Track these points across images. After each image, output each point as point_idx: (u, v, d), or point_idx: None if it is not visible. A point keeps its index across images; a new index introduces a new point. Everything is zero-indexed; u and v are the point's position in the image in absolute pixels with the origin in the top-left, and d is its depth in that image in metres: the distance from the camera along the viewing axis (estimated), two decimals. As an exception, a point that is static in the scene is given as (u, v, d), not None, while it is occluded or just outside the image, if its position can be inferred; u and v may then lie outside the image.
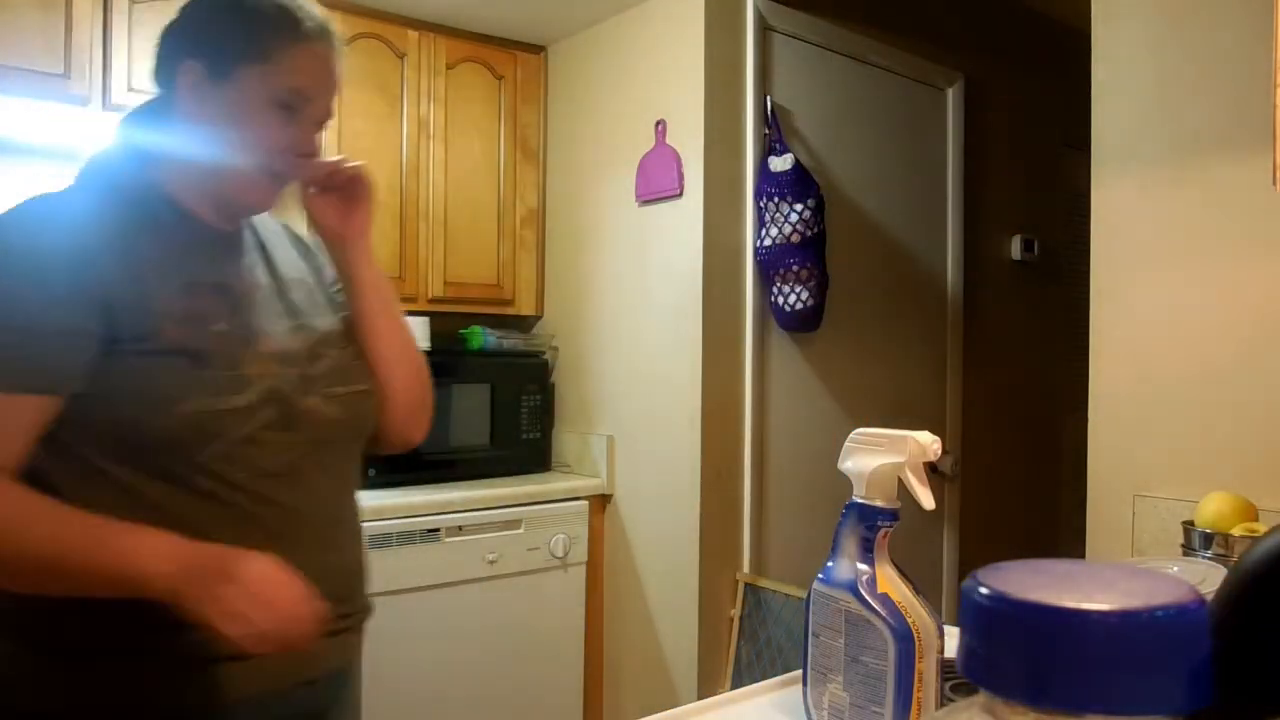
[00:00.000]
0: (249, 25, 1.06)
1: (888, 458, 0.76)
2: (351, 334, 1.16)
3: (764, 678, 1.01)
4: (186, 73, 1.09)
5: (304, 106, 1.06)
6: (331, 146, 2.58)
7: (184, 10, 1.14)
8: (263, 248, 1.18)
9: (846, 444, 0.80)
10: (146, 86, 2.28)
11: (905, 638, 0.71)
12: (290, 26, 1.05)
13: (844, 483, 0.79)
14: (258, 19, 1.06)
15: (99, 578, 0.88)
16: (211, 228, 1.10)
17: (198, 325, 1.00)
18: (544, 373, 2.89)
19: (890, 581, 0.75)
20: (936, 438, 0.75)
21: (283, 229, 1.27)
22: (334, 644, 1.05)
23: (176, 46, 1.12)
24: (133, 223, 1.03)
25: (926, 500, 0.75)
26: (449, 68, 2.79)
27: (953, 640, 0.57)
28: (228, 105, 1.05)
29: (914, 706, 0.71)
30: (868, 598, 0.74)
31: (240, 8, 1.07)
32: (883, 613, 0.72)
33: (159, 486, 0.95)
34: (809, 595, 0.80)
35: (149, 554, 0.88)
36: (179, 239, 1.06)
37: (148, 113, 1.17)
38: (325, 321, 1.15)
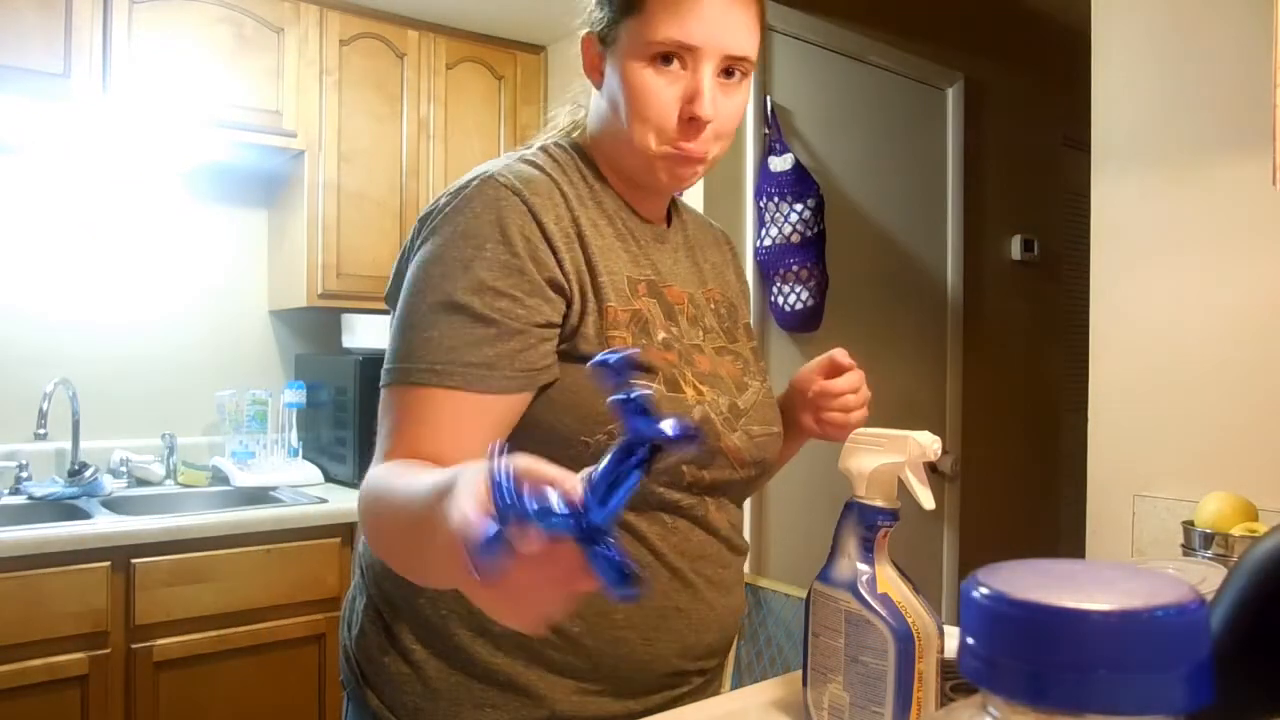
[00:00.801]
0: None
1: (888, 458, 0.76)
2: (761, 367, 1.03)
3: (764, 678, 1.01)
4: (585, 46, 0.96)
5: (688, 56, 0.87)
6: (331, 146, 2.58)
7: None
8: (693, 252, 1.04)
9: (846, 444, 0.80)
10: (147, 86, 2.29)
11: (905, 638, 0.71)
12: None
13: (844, 482, 0.79)
14: None
15: (426, 560, 0.69)
16: (641, 217, 0.97)
17: (640, 331, 0.89)
18: (544, 373, 2.88)
19: (890, 581, 0.75)
20: (936, 438, 0.75)
21: (720, 239, 1.13)
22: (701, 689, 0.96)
23: (584, 22, 0.98)
24: (582, 197, 0.92)
25: (926, 500, 0.74)
26: (449, 68, 2.79)
27: (953, 640, 0.57)
28: (616, 72, 0.90)
29: (914, 706, 0.71)
30: (868, 598, 0.74)
31: None
32: (883, 613, 0.72)
33: None
34: (809, 595, 0.80)
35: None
36: (615, 225, 0.94)
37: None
38: (745, 348, 1.02)
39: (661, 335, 0.90)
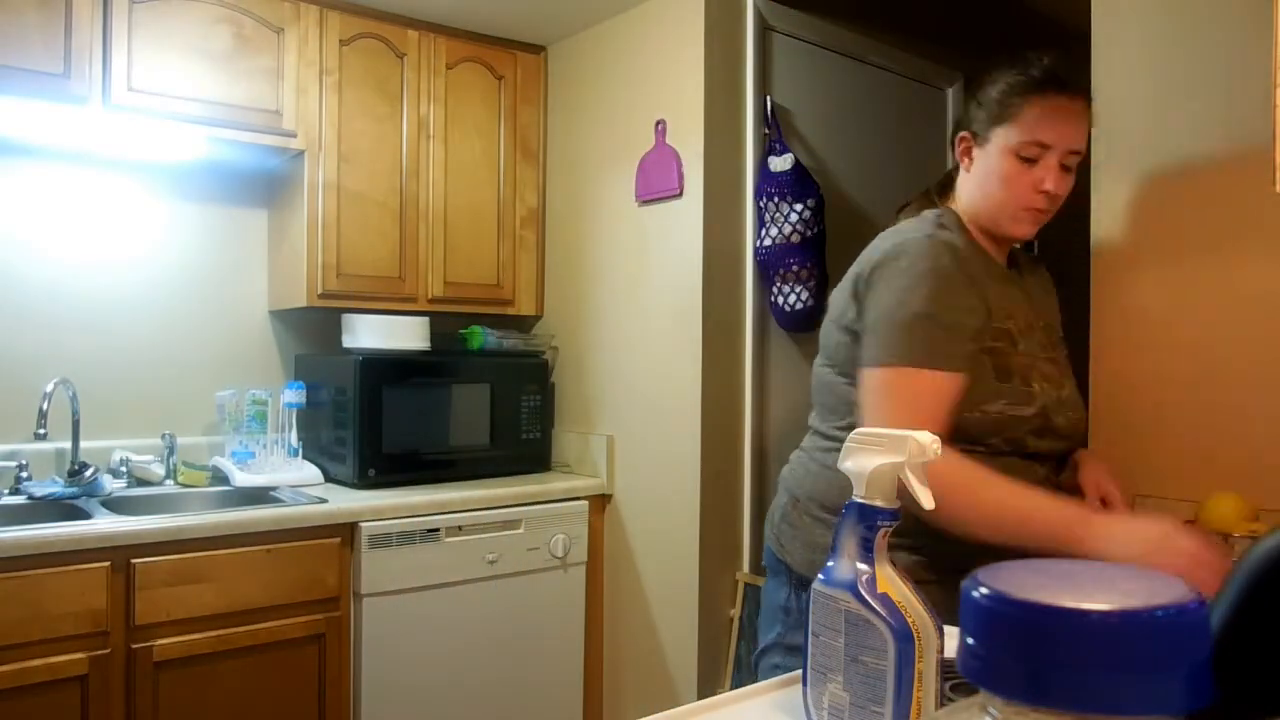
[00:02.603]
0: (1005, 93, 1.34)
1: (887, 457, 0.76)
2: (1069, 370, 1.45)
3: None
4: (960, 143, 1.41)
5: (1043, 153, 1.32)
6: (331, 146, 2.58)
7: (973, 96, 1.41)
8: (1027, 286, 1.47)
9: (846, 444, 0.80)
10: (147, 86, 2.29)
11: (905, 638, 0.71)
12: (1023, 85, 1.32)
13: (843, 483, 0.79)
14: (1002, 88, 1.34)
15: (1034, 536, 1.13)
16: (999, 266, 1.41)
17: (1010, 342, 1.32)
18: (544, 373, 2.89)
19: (890, 581, 0.75)
20: (936, 437, 0.75)
21: (1038, 267, 1.59)
22: None
23: (956, 123, 1.44)
24: (971, 252, 1.37)
25: (926, 500, 0.75)
26: (449, 68, 2.79)
27: (953, 640, 0.57)
28: (987, 163, 1.36)
29: (914, 706, 0.71)
30: (867, 598, 0.74)
31: (994, 82, 1.36)
32: (882, 612, 0.72)
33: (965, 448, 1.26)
34: (809, 595, 0.80)
35: (1082, 529, 1.12)
36: (990, 271, 1.37)
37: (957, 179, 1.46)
38: (1062, 355, 1.45)
39: (1021, 345, 1.33)
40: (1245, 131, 1.62)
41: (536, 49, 2.98)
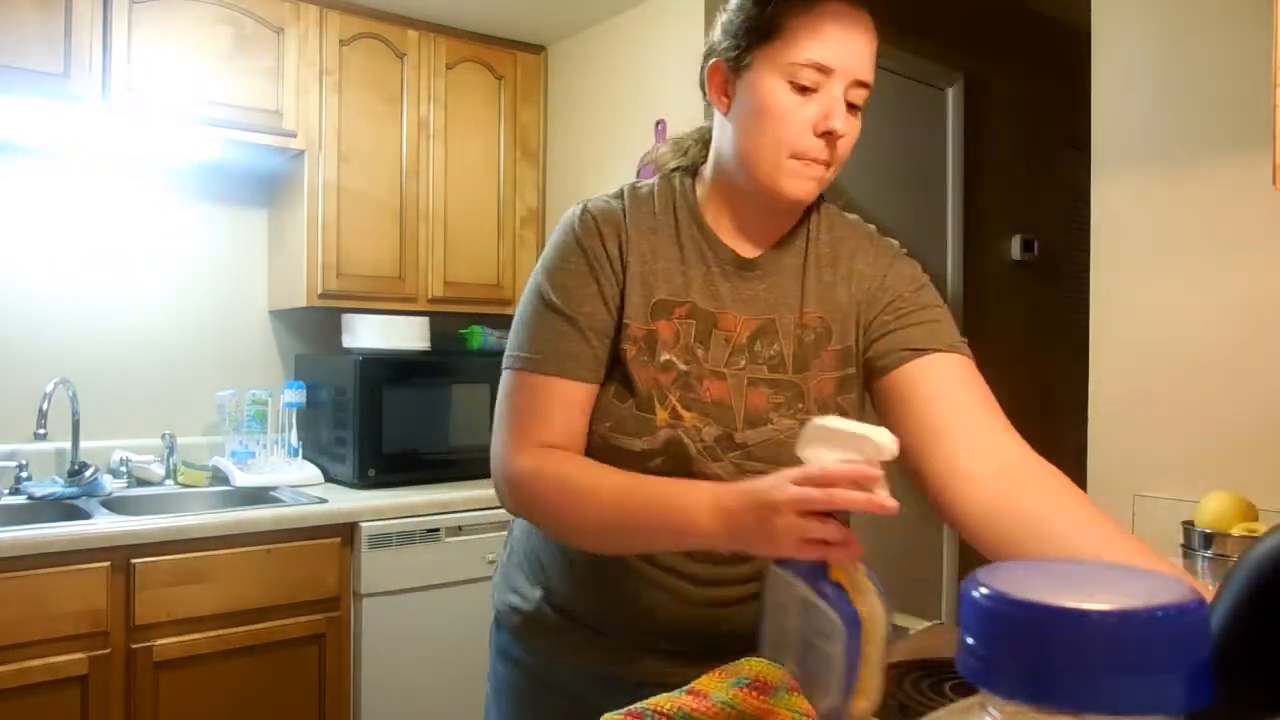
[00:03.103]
0: (758, 3, 0.98)
1: (844, 454, 0.75)
2: (840, 400, 1.04)
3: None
4: (712, 74, 1.03)
5: (823, 81, 0.96)
6: (331, 146, 2.58)
7: (719, 14, 1.05)
8: (803, 275, 1.06)
9: (805, 431, 0.79)
10: (147, 86, 2.29)
11: (854, 623, 0.71)
12: None
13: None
14: None
15: (661, 535, 0.90)
16: (729, 251, 1.04)
17: (645, 349, 1.00)
18: (544, 373, 2.88)
19: (842, 569, 0.75)
20: (894, 438, 0.74)
21: (854, 251, 1.10)
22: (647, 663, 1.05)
23: (706, 51, 1.05)
24: (655, 227, 1.05)
25: (886, 502, 0.73)
26: (449, 68, 2.79)
27: (953, 640, 0.57)
28: (748, 98, 0.98)
29: (858, 691, 0.71)
30: (820, 585, 0.74)
31: None
32: (834, 599, 0.72)
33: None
34: (767, 577, 0.80)
35: (701, 512, 0.84)
36: (685, 253, 1.04)
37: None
38: (818, 380, 1.03)
39: (665, 357, 1.00)
40: (1245, 131, 1.62)
41: (536, 49, 2.98)
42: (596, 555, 1.02)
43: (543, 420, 0.99)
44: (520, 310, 1.05)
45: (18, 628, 1.86)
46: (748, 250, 1.05)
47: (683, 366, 1.00)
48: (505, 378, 1.03)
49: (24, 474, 2.36)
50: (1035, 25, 3.28)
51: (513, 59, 2.92)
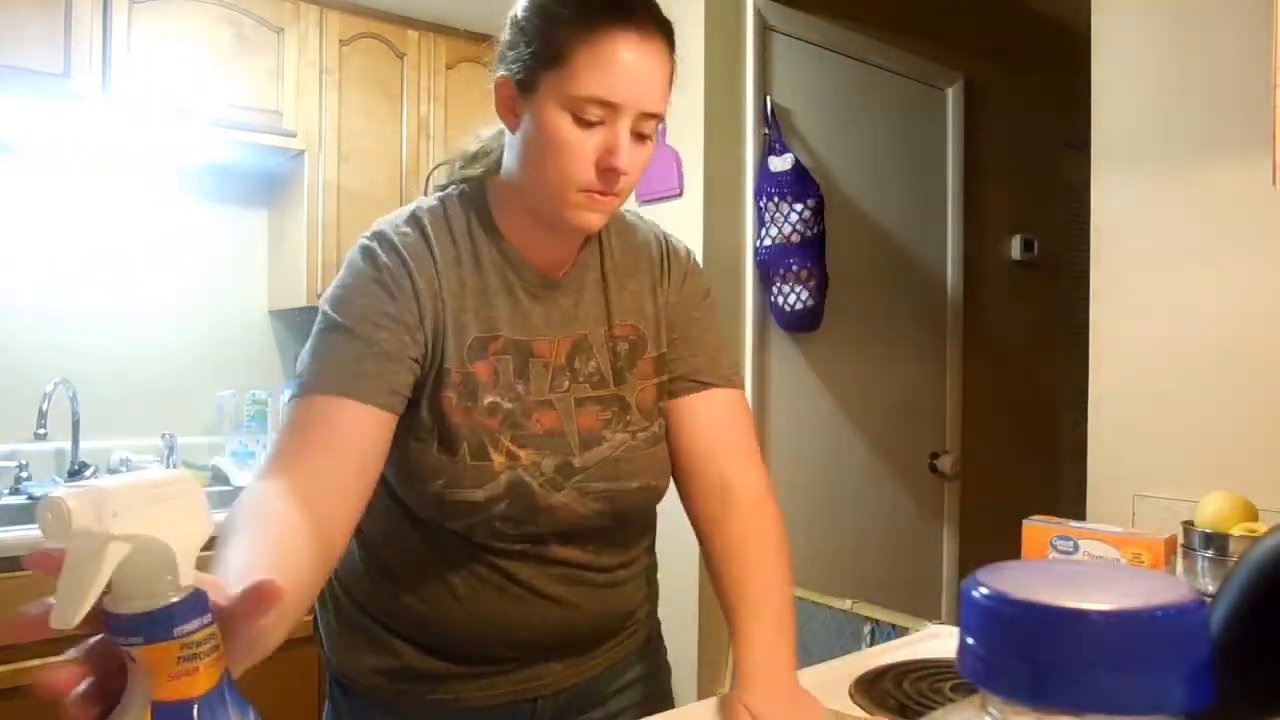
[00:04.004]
0: (545, 22, 0.92)
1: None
2: (658, 408, 1.05)
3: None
4: (500, 89, 0.97)
5: (609, 115, 0.90)
6: (331, 146, 2.58)
7: (509, 17, 0.98)
8: (605, 287, 1.05)
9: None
10: (146, 86, 2.29)
11: None
12: (579, 16, 0.90)
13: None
14: (553, 12, 0.91)
15: None
16: (533, 268, 1.00)
17: (466, 394, 0.95)
18: (544, 373, 2.88)
19: None
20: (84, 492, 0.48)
21: (654, 260, 1.10)
22: (542, 671, 1.05)
23: (496, 60, 0.99)
24: (459, 258, 0.98)
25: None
26: (449, 68, 2.79)
27: (953, 640, 0.56)
28: (531, 125, 0.93)
29: None
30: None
31: (544, 0, 0.93)
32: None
33: (410, 524, 0.99)
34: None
35: None
36: (487, 281, 0.98)
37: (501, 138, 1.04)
38: (639, 389, 1.03)
39: (489, 399, 0.95)
40: (1244, 131, 1.62)
41: (536, 49, 2.98)
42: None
43: (306, 442, 0.86)
44: (310, 342, 0.94)
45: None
46: (549, 267, 1.02)
47: (508, 405, 0.96)
48: (282, 416, 0.92)
49: (24, 474, 2.36)
50: (1035, 25, 3.29)
51: (513, 59, 2.92)
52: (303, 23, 2.54)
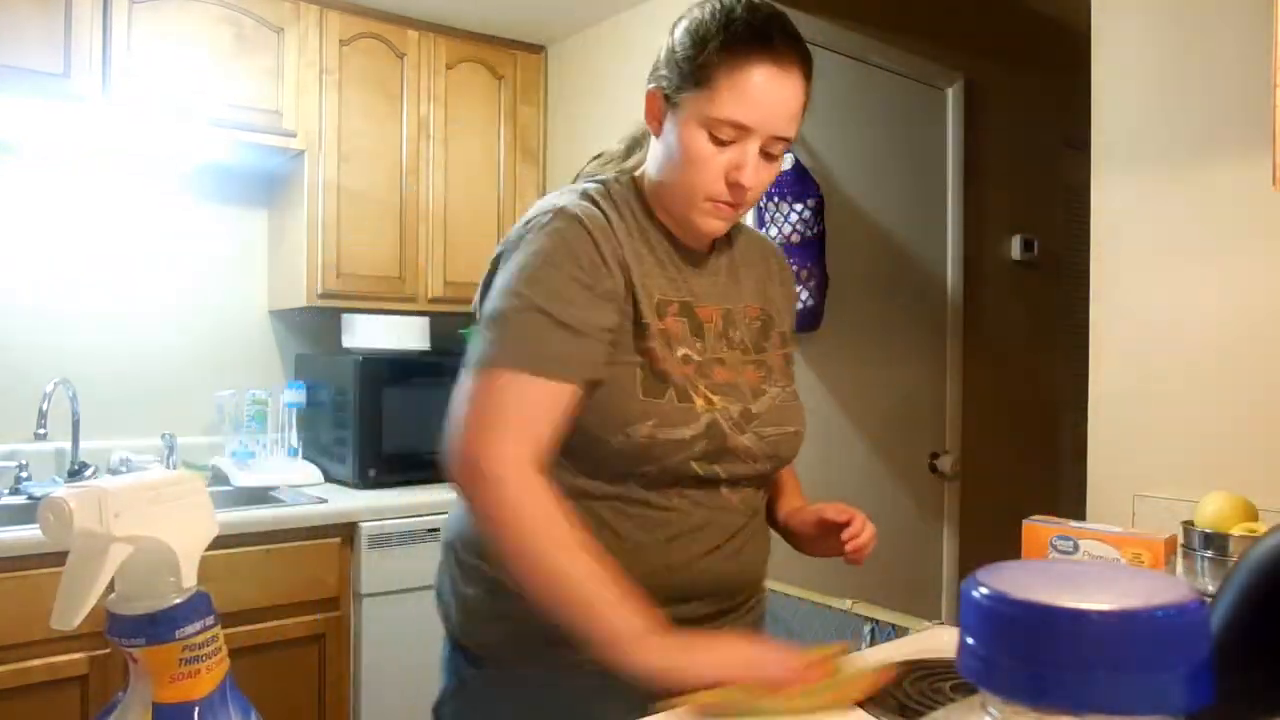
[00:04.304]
0: (694, 47, 1.03)
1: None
2: (791, 370, 1.20)
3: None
4: (649, 100, 1.09)
5: (741, 136, 1.02)
6: (331, 146, 2.58)
7: (670, 34, 1.10)
8: (735, 271, 1.19)
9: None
10: (147, 86, 2.29)
11: None
12: (724, 45, 1.01)
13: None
14: (703, 39, 1.02)
15: (571, 621, 0.91)
16: (683, 245, 1.13)
17: (665, 347, 1.05)
18: (544, 373, 2.88)
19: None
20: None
21: (768, 253, 1.27)
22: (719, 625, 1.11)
23: (651, 70, 1.11)
24: (630, 231, 1.08)
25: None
26: (449, 68, 2.79)
27: (953, 640, 0.56)
28: (674, 134, 1.05)
29: None
30: None
31: (697, 28, 1.04)
32: None
33: (588, 482, 1.04)
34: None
35: (627, 636, 0.89)
36: (656, 254, 1.10)
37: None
38: (774, 356, 1.17)
39: (682, 351, 1.06)
40: (1244, 131, 1.62)
41: (536, 49, 2.98)
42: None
43: (521, 417, 0.97)
44: (495, 315, 1.01)
45: (18, 628, 1.86)
46: (697, 248, 1.14)
47: (696, 357, 1.07)
48: (474, 376, 0.99)
49: (24, 474, 2.36)
50: (1035, 25, 3.28)
51: (513, 59, 2.92)
52: (303, 23, 2.54)
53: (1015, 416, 3.27)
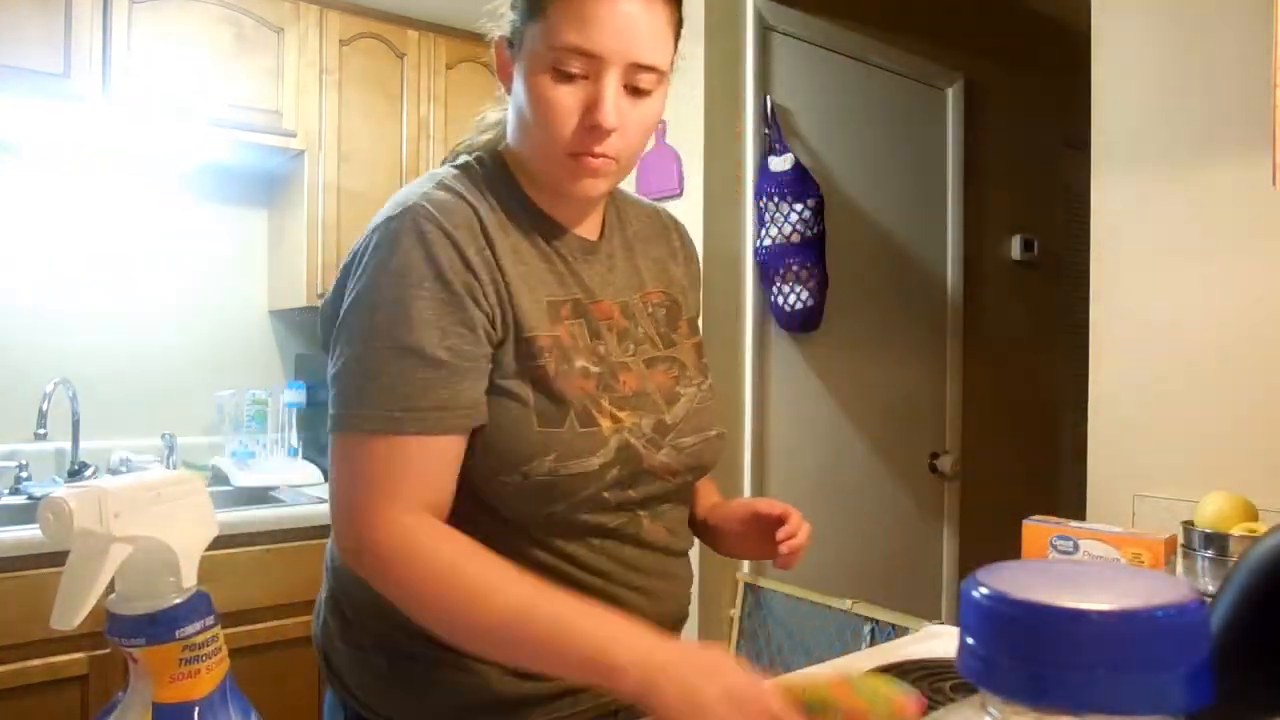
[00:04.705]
0: None
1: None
2: (704, 363, 1.03)
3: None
4: (496, 52, 0.93)
5: (592, 67, 0.83)
6: (331, 146, 2.58)
7: None
8: (631, 252, 1.02)
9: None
10: (146, 86, 2.29)
11: None
12: None
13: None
14: None
15: (558, 661, 0.77)
16: (566, 229, 0.95)
17: (560, 359, 0.88)
18: (544, 373, 2.88)
19: None
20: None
21: (668, 227, 1.09)
22: None
23: (497, 27, 0.94)
24: (502, 222, 0.90)
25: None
26: (449, 68, 2.79)
27: (953, 640, 0.56)
28: (519, 84, 0.88)
29: None
30: None
31: None
32: None
33: (489, 526, 0.86)
34: None
35: (624, 650, 0.73)
36: (537, 246, 0.92)
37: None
38: (685, 348, 1.01)
39: (579, 363, 0.89)
40: (1244, 131, 1.62)
41: (536, 49, 2.98)
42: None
43: (407, 483, 0.81)
44: (350, 359, 0.84)
45: (18, 628, 1.86)
46: (584, 231, 0.97)
47: (596, 369, 0.90)
48: (345, 441, 0.83)
49: (24, 474, 2.36)
50: (1035, 25, 3.29)
51: (513, 59, 2.92)
52: (303, 23, 2.54)
53: (1015, 416, 3.27)
